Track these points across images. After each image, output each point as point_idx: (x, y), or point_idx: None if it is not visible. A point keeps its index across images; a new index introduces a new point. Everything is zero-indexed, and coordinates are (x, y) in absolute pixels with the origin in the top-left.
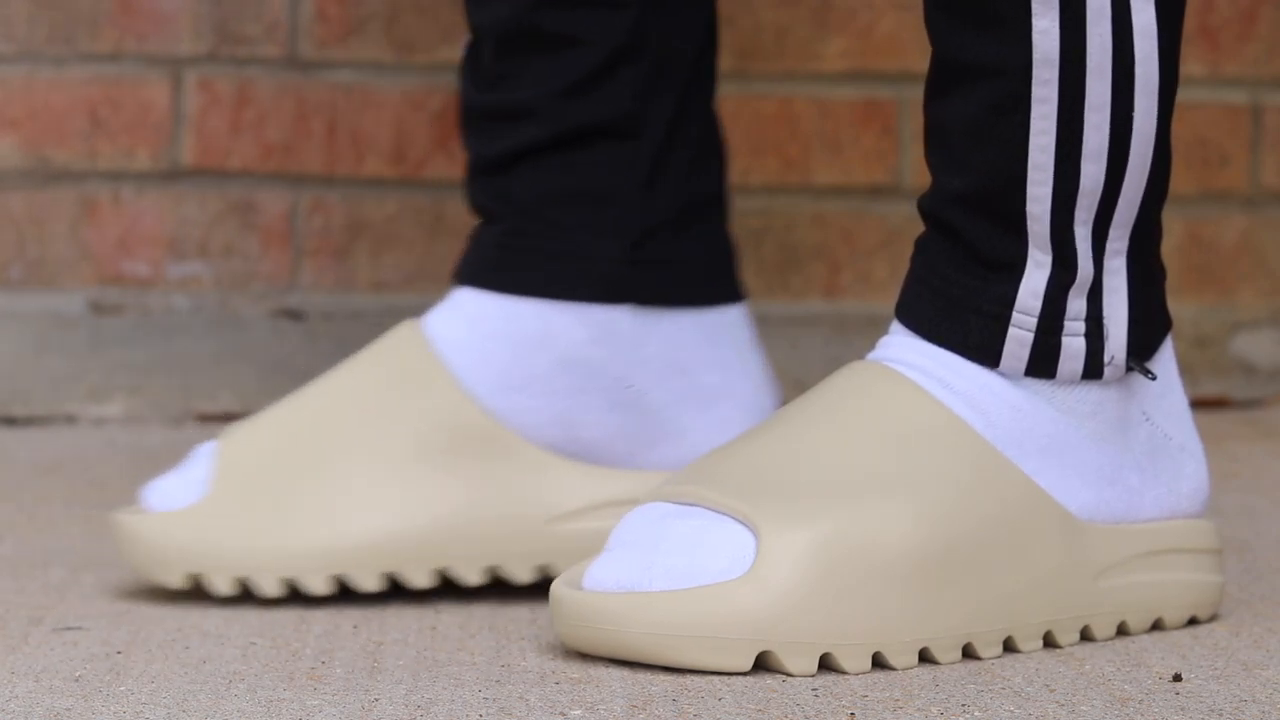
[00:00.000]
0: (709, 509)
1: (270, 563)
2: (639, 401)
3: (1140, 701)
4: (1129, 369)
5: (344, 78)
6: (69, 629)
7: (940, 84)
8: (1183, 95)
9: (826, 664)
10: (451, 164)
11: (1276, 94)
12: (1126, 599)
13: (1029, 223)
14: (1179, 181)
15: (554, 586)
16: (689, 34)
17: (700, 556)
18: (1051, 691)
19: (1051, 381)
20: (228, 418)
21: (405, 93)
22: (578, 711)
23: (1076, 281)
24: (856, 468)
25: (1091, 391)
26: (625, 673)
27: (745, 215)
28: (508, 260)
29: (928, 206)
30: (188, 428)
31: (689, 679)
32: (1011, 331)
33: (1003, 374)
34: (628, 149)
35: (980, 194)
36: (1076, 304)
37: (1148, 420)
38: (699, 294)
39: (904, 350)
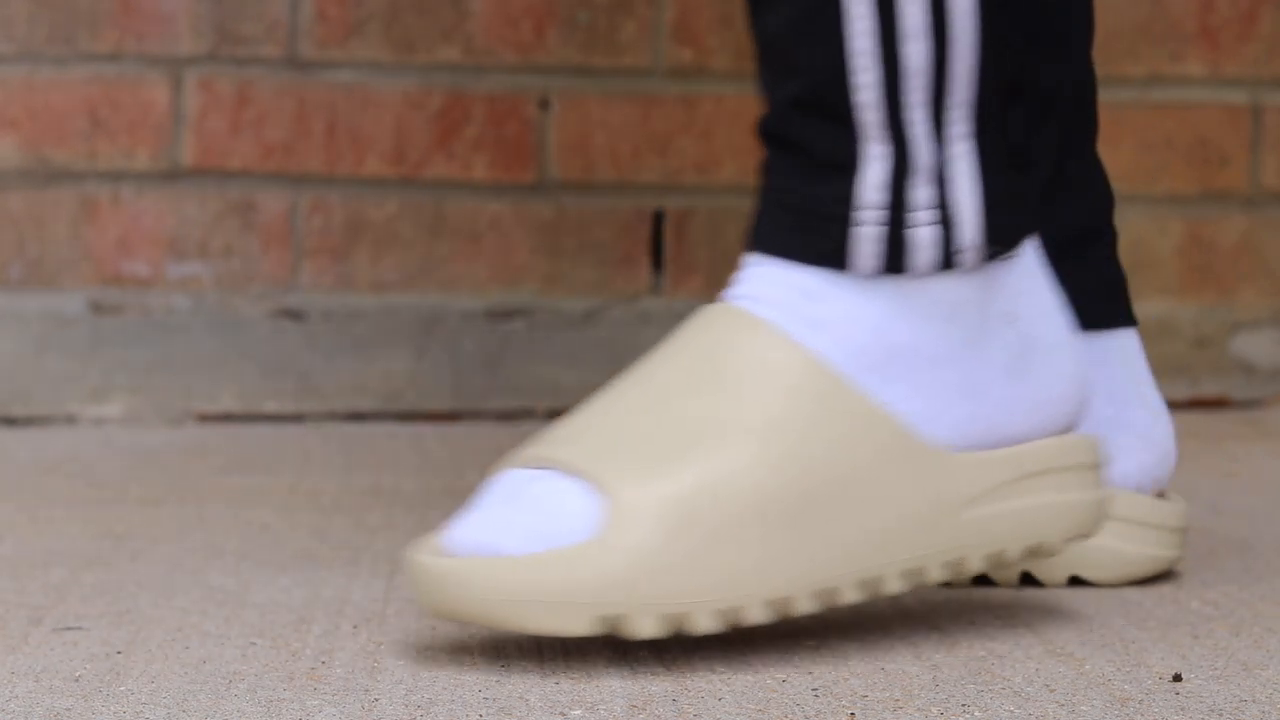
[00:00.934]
0: (561, 471)
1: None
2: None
3: (1140, 701)
4: (987, 257)
5: (344, 78)
6: (69, 629)
7: (757, 2)
8: (1183, 95)
9: (677, 625)
10: (451, 164)
11: (1276, 94)
12: (999, 528)
13: (860, 113)
14: (1179, 182)
15: (408, 553)
16: (1070, 72)
17: (550, 520)
18: (1051, 691)
19: (908, 282)
20: (227, 418)
21: (405, 93)
22: (578, 711)
23: (917, 169)
24: (703, 418)
25: (948, 290)
26: (625, 672)
27: (745, 215)
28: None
29: (765, 127)
30: (188, 427)
31: (689, 679)
32: (859, 230)
33: (857, 285)
34: (1023, 179)
35: (810, 94)
36: (921, 192)
37: (1015, 321)
38: (1090, 318)
39: (757, 283)
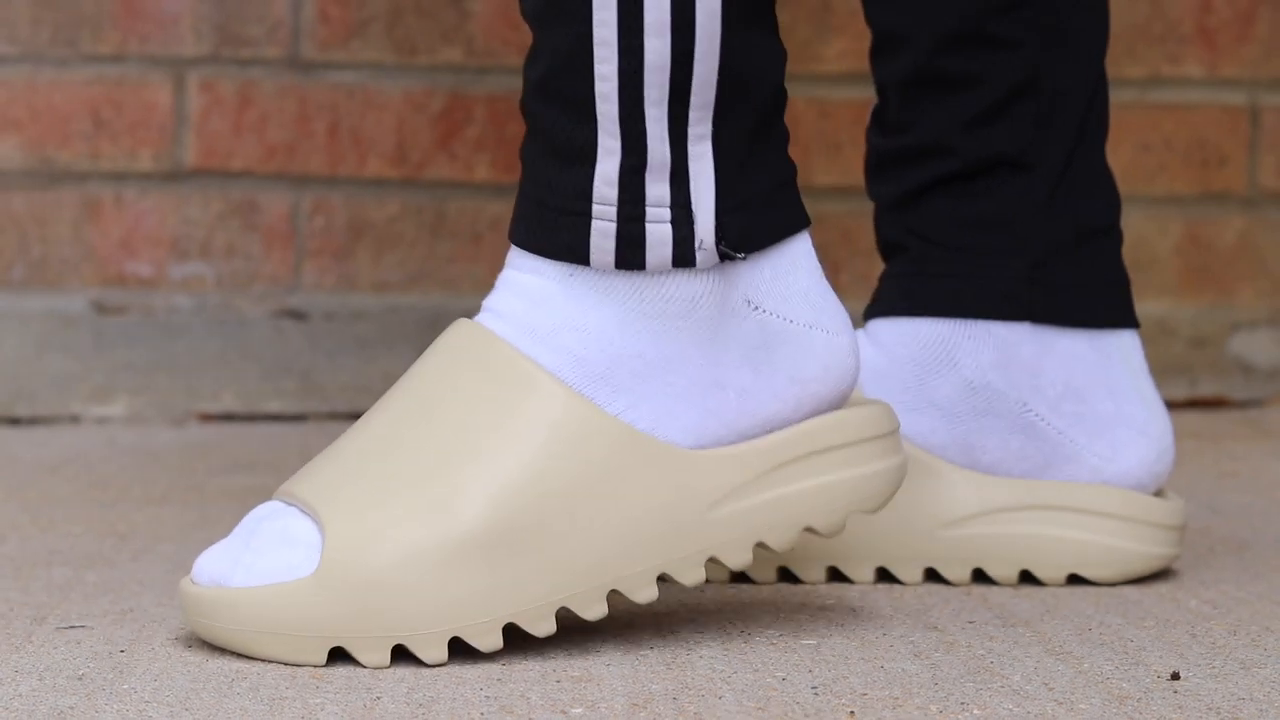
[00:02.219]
0: (299, 507)
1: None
2: (1036, 426)
3: (1138, 699)
4: (721, 257)
5: (346, 79)
6: (72, 628)
7: None
8: (1181, 96)
9: (406, 650)
10: (453, 165)
11: (1275, 95)
12: (757, 519)
13: (598, 104)
14: (1178, 182)
15: (182, 578)
16: (1080, 75)
17: (279, 553)
18: (1050, 689)
19: (642, 279)
20: (229, 418)
21: (407, 94)
22: (579, 710)
23: (651, 165)
24: (429, 448)
25: (683, 287)
26: (626, 671)
27: None
28: (915, 286)
29: (521, 105)
30: (190, 427)
31: (689, 677)
32: (595, 225)
33: (594, 288)
34: (1027, 178)
35: (552, 78)
36: (657, 189)
37: (756, 309)
38: (1094, 315)
39: (501, 290)
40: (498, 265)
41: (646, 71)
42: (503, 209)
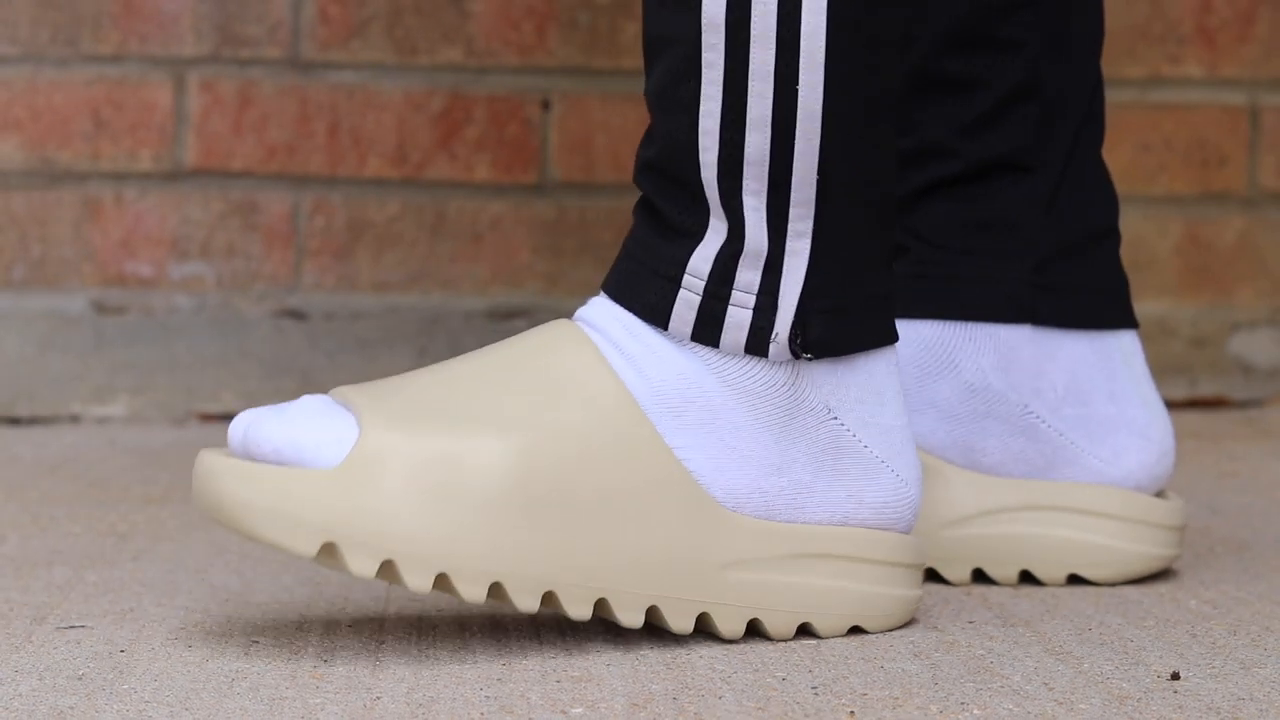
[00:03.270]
0: (345, 406)
1: None
2: (1037, 428)
3: (1138, 699)
4: (796, 355)
5: (346, 79)
6: (72, 627)
7: (645, 61)
8: (1181, 96)
9: (388, 574)
10: (453, 165)
11: (1274, 95)
12: (761, 596)
13: (706, 189)
14: (1177, 182)
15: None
16: (1079, 76)
17: (304, 440)
18: (1050, 689)
19: (718, 354)
20: (230, 417)
21: (407, 93)
22: (579, 709)
23: (746, 251)
24: (488, 405)
25: (761, 371)
26: (626, 671)
27: None
28: (916, 288)
29: (635, 174)
30: (190, 427)
31: (689, 677)
32: (681, 294)
33: (676, 341)
34: (1027, 180)
35: (663, 161)
36: (747, 275)
37: (834, 419)
38: (1095, 317)
39: (595, 310)
40: (498, 265)
41: (746, 164)
42: (502, 209)
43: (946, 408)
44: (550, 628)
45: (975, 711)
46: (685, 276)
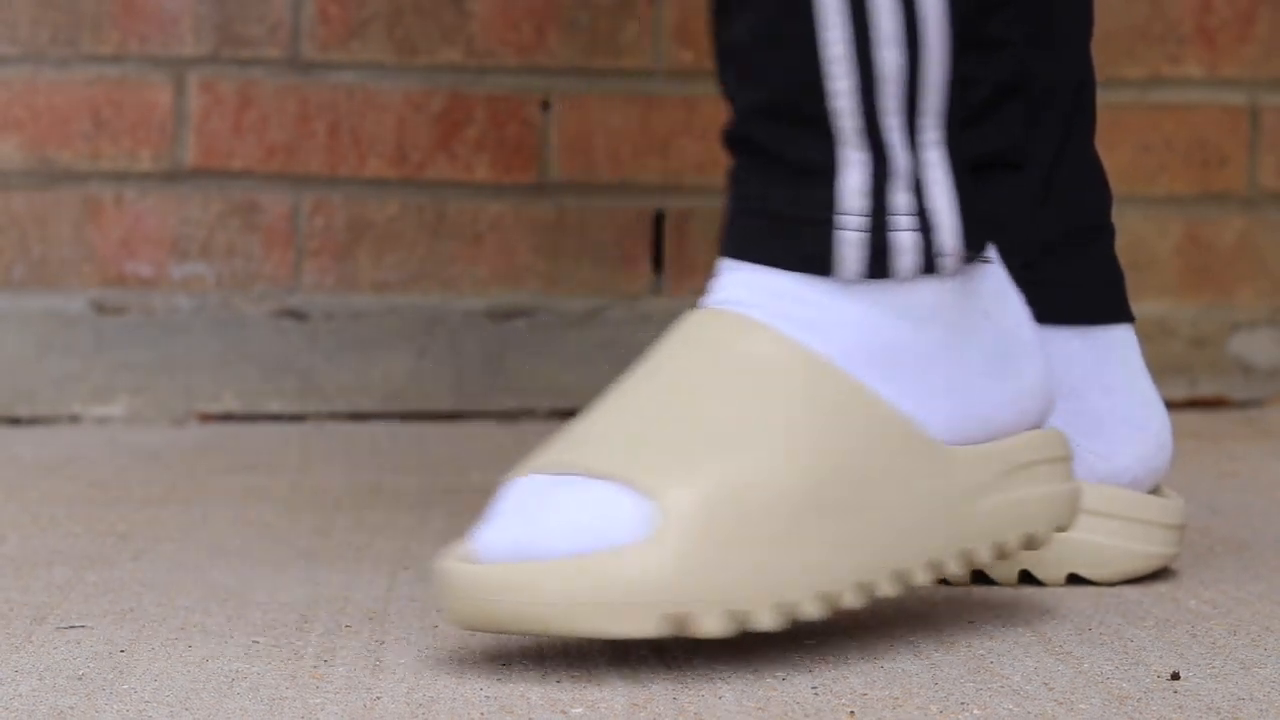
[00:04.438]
0: (588, 475)
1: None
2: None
3: (1138, 699)
4: (965, 260)
5: (346, 79)
6: (72, 627)
7: (725, 4)
8: (1181, 96)
9: (740, 622)
10: (453, 165)
11: (1274, 95)
12: (998, 519)
13: (836, 120)
14: (1178, 182)
15: (440, 562)
16: (1066, 70)
17: (592, 521)
18: (1050, 689)
19: (887, 285)
20: (230, 417)
21: (407, 93)
22: (579, 709)
23: (896, 174)
24: (721, 419)
25: (928, 293)
26: (626, 671)
27: None
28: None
29: (733, 134)
30: (190, 427)
31: (690, 676)
32: (841, 235)
33: (839, 288)
34: (1018, 176)
35: (783, 100)
36: (901, 198)
37: (989, 320)
38: (1089, 312)
39: (738, 289)
40: (498, 265)
41: (883, 83)
42: (502, 209)
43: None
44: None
45: (975, 711)
46: (838, 216)
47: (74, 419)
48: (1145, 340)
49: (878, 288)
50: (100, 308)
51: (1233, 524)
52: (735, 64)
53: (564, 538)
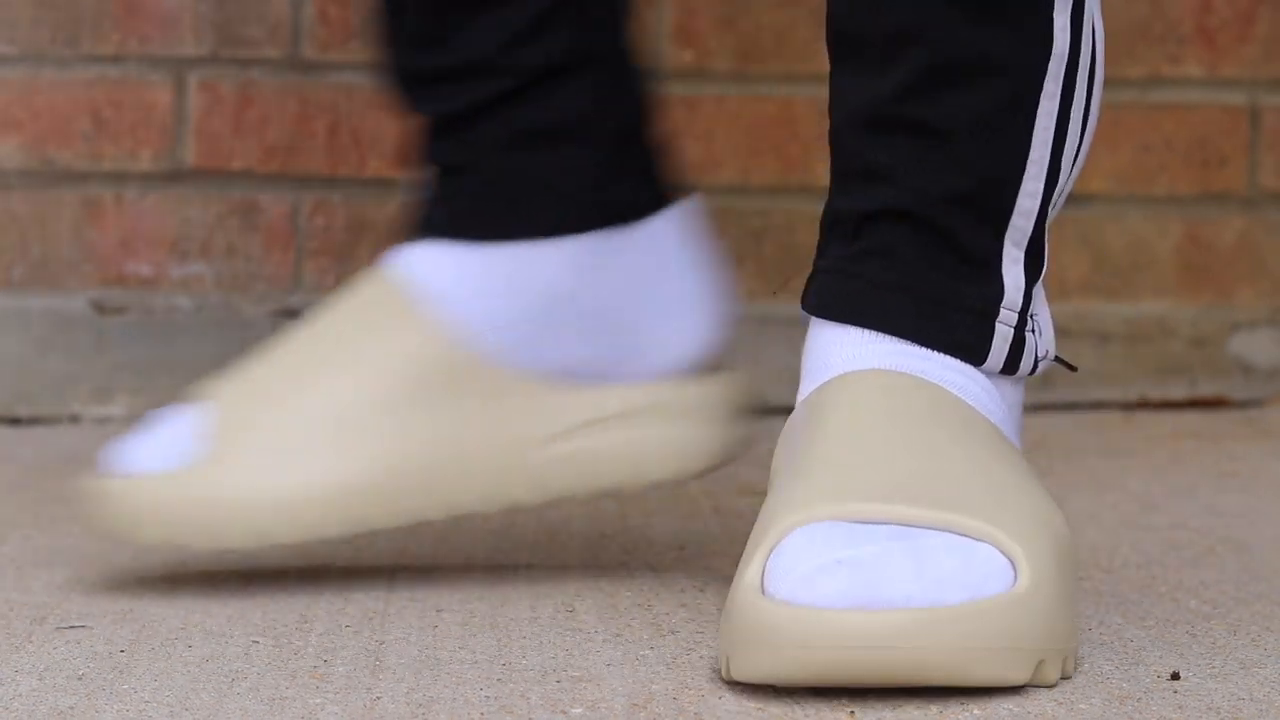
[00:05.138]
0: (955, 531)
1: (288, 513)
2: (610, 324)
3: (1138, 699)
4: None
5: (346, 79)
6: (72, 627)
7: (929, 84)
8: (1181, 96)
9: (1063, 670)
10: None
11: (1275, 95)
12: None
13: (1014, 219)
14: (1177, 182)
15: (765, 604)
16: None
17: (969, 575)
18: (1050, 689)
19: (993, 378)
20: None
21: None
22: (579, 710)
23: (1041, 279)
24: (990, 474)
25: (1016, 390)
26: (626, 671)
27: (745, 215)
28: (483, 208)
29: (909, 206)
30: None
31: (689, 678)
32: (998, 328)
33: (979, 373)
34: (575, 86)
35: (978, 191)
36: (1038, 303)
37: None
38: (645, 206)
39: (891, 357)
40: None
41: (1059, 194)
42: None
43: (530, 320)
44: (551, 627)
45: (975, 711)
46: (1002, 310)
47: (74, 419)
48: (1145, 340)
49: (991, 379)
50: (100, 308)
51: (1233, 524)
52: (930, 144)
53: (951, 589)
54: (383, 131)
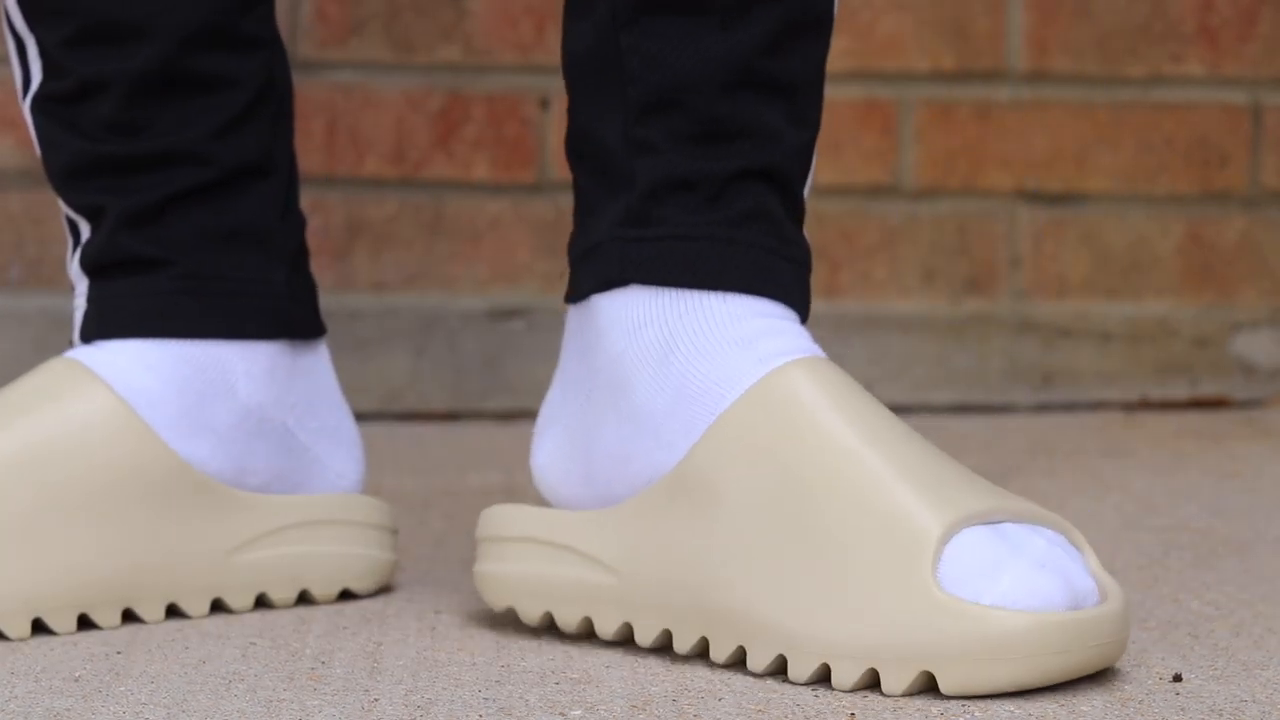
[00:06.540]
0: (1040, 525)
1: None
2: (294, 442)
3: (1141, 701)
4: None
5: (344, 78)
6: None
7: (786, 38)
8: (1183, 95)
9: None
10: (451, 164)
11: (1276, 94)
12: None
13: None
14: (1179, 182)
15: (989, 613)
16: (286, 68)
17: (1071, 558)
18: (1051, 690)
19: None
20: None
21: (405, 93)
22: (578, 712)
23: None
24: (946, 460)
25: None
26: (625, 673)
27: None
28: (177, 305)
29: (768, 163)
30: None
31: (689, 679)
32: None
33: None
34: (268, 185)
35: (809, 144)
36: None
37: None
38: (315, 329)
39: (801, 338)
40: (496, 264)
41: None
42: (501, 208)
43: (224, 430)
44: (549, 630)
45: (975, 712)
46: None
47: None
48: (1146, 340)
49: None
50: None
51: (1235, 525)
52: (785, 98)
53: (1085, 578)
54: (380, 131)
